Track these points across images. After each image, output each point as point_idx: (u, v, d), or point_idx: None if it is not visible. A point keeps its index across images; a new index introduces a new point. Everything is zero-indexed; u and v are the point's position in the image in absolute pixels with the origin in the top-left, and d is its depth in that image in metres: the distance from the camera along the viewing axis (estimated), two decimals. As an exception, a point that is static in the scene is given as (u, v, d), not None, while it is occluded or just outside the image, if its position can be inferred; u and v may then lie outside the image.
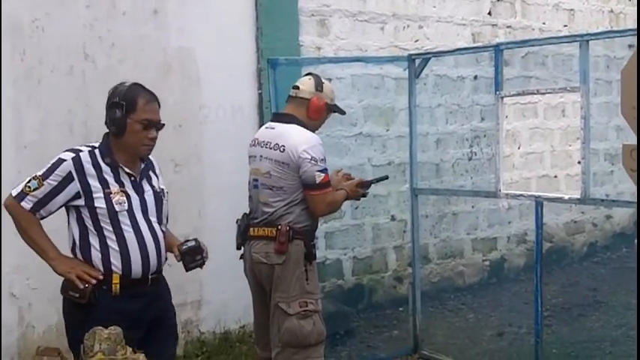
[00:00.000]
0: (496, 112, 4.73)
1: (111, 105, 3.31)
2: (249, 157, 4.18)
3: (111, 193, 3.24)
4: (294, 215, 3.97)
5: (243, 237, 4.08)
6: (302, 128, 4.03)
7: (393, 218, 6.62)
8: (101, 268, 3.22)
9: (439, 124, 6.92)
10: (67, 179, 3.20)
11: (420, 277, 5.55)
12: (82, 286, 3.18)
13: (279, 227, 3.93)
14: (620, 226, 8.59)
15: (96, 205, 3.22)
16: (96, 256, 3.23)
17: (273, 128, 4.10)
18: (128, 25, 5.04)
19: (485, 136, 7.08)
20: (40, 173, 3.22)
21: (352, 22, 6.28)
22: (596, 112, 7.59)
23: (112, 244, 3.23)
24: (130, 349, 2.71)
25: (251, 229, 4.04)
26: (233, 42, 5.49)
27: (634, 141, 3.87)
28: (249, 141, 4.22)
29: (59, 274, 3.24)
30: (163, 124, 3.40)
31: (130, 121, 3.28)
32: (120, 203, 3.25)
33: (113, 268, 3.23)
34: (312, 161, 3.90)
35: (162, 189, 3.47)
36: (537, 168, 7.65)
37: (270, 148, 4.00)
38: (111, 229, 3.23)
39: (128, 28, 5.04)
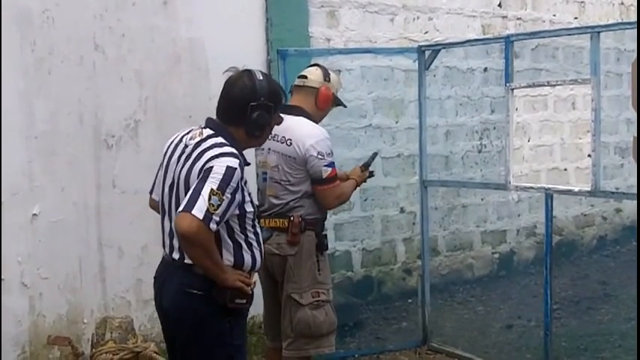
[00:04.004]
0: (506, 104, 4.71)
1: (255, 107, 3.01)
2: (256, 149, 4.17)
3: (250, 194, 3.07)
4: (305, 208, 3.98)
5: None
6: (309, 121, 4.02)
7: (402, 210, 6.61)
8: (248, 269, 3.09)
9: (449, 116, 6.90)
10: (237, 189, 2.91)
11: (429, 269, 5.55)
12: (250, 292, 3.04)
13: (292, 218, 3.94)
14: (630, 219, 8.53)
15: (247, 209, 3.02)
16: (247, 259, 3.07)
17: None
18: (138, 15, 5.04)
19: (495, 128, 7.06)
20: (215, 187, 2.83)
21: (362, 13, 6.26)
22: (607, 105, 7.56)
23: (255, 243, 3.10)
24: (141, 338, 2.71)
25: (261, 220, 4.04)
26: (243, 33, 5.47)
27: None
28: (259, 132, 4.21)
29: (229, 287, 2.98)
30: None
31: (272, 120, 3.10)
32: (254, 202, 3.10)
33: (256, 266, 3.13)
34: (319, 156, 3.90)
35: None
36: (547, 161, 7.62)
37: (277, 141, 3.98)
38: (252, 229, 3.08)
39: (138, 18, 5.04)
